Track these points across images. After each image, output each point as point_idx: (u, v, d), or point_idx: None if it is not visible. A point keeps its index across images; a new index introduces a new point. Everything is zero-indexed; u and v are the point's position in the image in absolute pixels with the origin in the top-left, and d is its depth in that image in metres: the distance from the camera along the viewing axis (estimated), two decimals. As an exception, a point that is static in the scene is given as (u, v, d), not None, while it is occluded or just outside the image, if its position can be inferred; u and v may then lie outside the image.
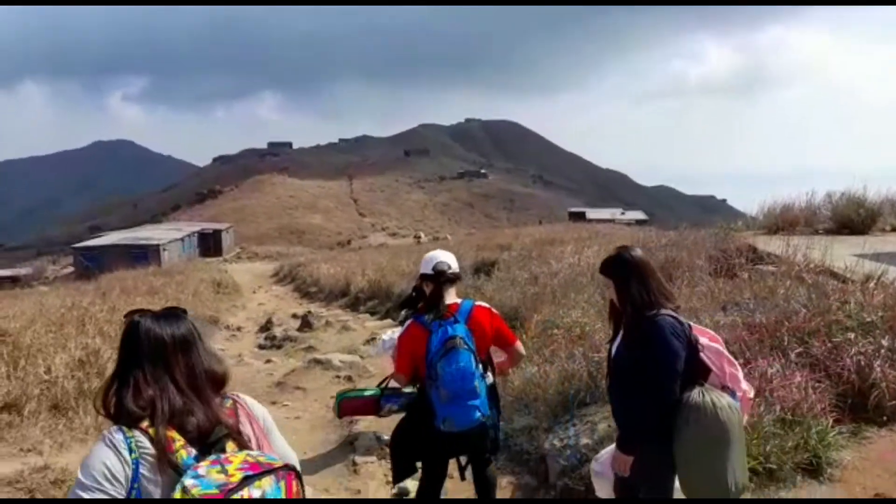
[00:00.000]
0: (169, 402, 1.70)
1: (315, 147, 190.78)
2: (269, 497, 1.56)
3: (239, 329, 14.07)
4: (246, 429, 1.82)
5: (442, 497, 3.75)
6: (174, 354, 1.78)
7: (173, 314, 1.88)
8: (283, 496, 1.60)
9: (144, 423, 1.68)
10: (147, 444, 1.65)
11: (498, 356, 3.69)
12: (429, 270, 3.46)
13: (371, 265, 19.67)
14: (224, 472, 1.57)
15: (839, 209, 9.85)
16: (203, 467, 1.58)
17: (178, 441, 1.67)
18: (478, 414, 3.16)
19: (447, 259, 3.48)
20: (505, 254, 15.81)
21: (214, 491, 1.52)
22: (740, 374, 2.68)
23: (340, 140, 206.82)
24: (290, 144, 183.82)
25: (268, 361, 10.37)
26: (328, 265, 23.63)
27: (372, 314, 14.49)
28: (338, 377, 8.48)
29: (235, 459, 1.62)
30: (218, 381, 1.87)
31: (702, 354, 2.67)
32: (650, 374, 2.61)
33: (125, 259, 28.83)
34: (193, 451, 1.66)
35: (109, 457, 1.62)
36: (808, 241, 7.03)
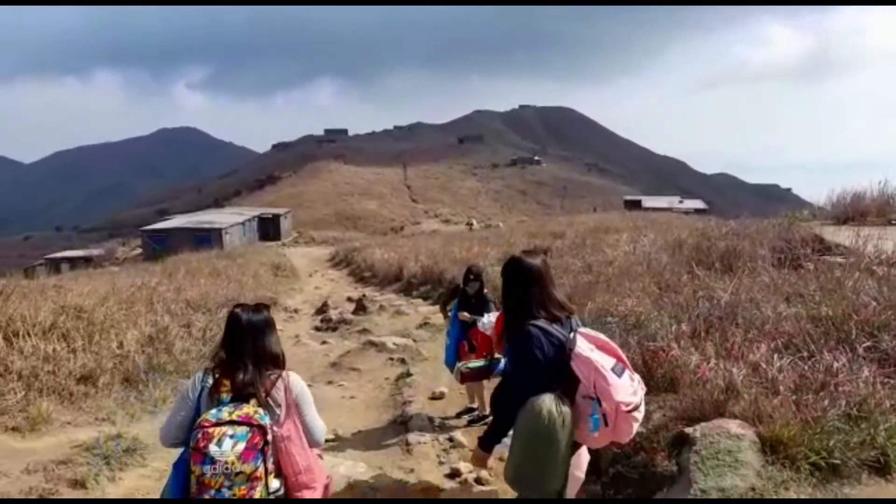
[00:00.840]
0: (230, 362, 2.65)
1: (370, 134, 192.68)
2: (235, 438, 2.41)
3: (296, 311, 14.47)
4: (278, 395, 2.64)
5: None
6: (246, 335, 2.69)
7: (258, 307, 2.82)
8: (244, 442, 2.42)
9: (217, 372, 2.66)
10: (210, 382, 2.64)
11: None
12: None
13: (424, 251, 19.84)
14: (230, 413, 2.48)
15: (916, 199, 9.34)
16: (227, 406, 2.53)
17: (226, 387, 2.60)
18: None
19: None
20: (558, 242, 15.69)
21: (212, 419, 2.46)
22: (613, 388, 2.68)
23: (395, 127, 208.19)
24: (345, 131, 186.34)
25: (324, 343, 10.65)
26: (382, 251, 23.95)
27: (424, 299, 14.64)
28: (391, 359, 8.64)
29: (244, 409, 2.50)
30: (275, 359, 2.74)
31: (572, 363, 2.73)
32: (507, 377, 2.90)
33: (190, 242, 29.94)
34: (230, 396, 2.57)
35: (189, 385, 2.71)
36: (880, 232, 6.71)
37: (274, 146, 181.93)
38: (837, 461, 3.36)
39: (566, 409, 2.70)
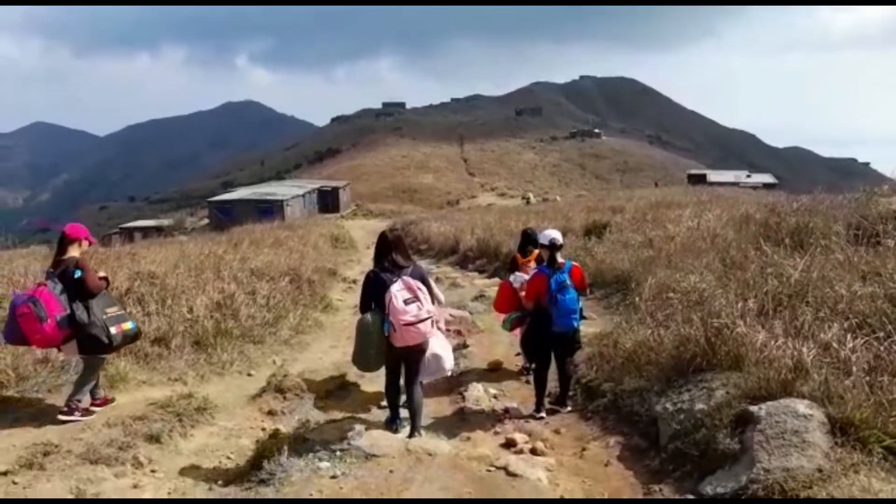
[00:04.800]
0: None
1: (427, 107, 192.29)
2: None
3: (354, 282, 14.70)
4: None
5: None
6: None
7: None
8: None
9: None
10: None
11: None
12: (546, 242, 5.66)
13: (480, 225, 19.80)
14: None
15: None
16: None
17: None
18: (574, 323, 5.49)
19: (557, 236, 5.66)
20: (617, 216, 15.35)
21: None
22: (394, 309, 4.46)
23: (452, 100, 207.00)
24: (403, 104, 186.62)
25: (381, 313, 10.81)
26: (438, 224, 24.04)
27: (480, 272, 14.65)
28: (448, 331, 8.71)
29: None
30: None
31: (386, 293, 4.52)
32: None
33: (253, 213, 30.88)
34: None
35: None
36: (970, 209, 6.27)
37: (333, 119, 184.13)
38: (914, 446, 3.22)
39: (378, 319, 4.58)
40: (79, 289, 5.05)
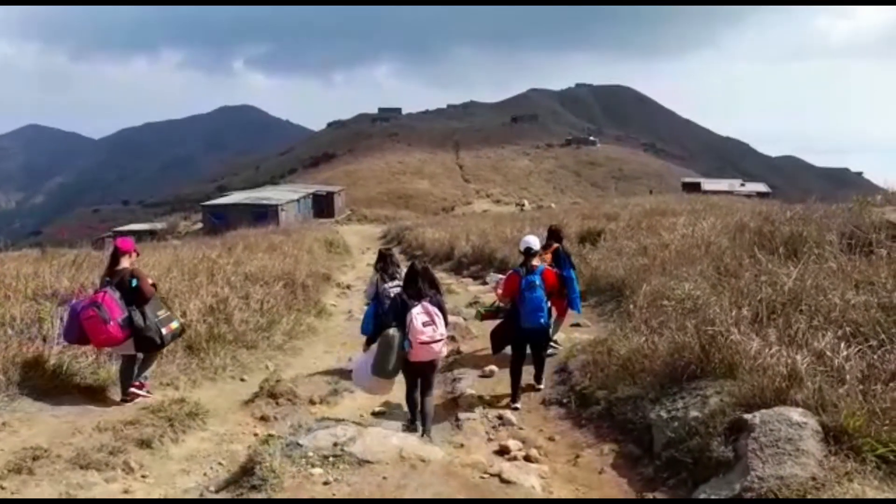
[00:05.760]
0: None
1: (423, 112, 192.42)
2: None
3: (349, 287, 14.70)
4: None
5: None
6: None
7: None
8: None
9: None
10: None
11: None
12: (521, 249, 6.31)
13: (475, 231, 19.80)
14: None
15: None
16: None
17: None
18: (542, 320, 6.04)
19: (533, 243, 6.26)
20: (612, 224, 15.38)
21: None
22: (412, 330, 5.02)
23: (448, 106, 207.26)
24: (399, 110, 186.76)
25: (376, 318, 10.77)
26: (433, 230, 24.03)
27: (475, 279, 14.63)
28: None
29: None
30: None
31: (408, 313, 5.10)
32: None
33: (248, 217, 30.77)
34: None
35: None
36: (962, 219, 6.30)
37: (329, 124, 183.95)
38: (907, 454, 3.22)
39: (400, 335, 5.11)
40: (135, 295, 5.73)
